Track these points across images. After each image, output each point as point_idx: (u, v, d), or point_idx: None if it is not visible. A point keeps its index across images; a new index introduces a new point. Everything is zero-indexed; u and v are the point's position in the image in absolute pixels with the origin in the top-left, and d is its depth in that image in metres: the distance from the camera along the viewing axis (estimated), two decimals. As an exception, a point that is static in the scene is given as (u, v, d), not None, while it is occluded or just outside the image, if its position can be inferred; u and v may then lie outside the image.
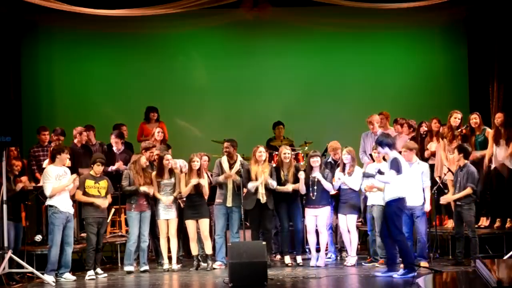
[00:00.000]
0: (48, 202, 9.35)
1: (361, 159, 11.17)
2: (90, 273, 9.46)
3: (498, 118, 10.33)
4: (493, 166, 10.33)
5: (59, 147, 9.70)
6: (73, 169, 9.98)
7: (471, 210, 9.56)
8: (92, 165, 9.72)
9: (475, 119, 10.52)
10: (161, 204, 9.91)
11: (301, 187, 9.90)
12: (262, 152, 9.97)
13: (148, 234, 9.98)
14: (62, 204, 9.33)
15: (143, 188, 9.80)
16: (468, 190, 9.48)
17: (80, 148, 11.04)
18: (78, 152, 10.90)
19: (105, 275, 9.65)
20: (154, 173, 10.00)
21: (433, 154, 10.80)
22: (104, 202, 9.63)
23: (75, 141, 11.12)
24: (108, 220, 10.33)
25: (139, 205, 9.86)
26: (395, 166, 8.72)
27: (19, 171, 9.66)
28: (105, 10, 11.38)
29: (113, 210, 10.80)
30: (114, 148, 11.23)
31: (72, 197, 9.69)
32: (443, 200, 9.81)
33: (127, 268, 9.83)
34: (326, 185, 9.86)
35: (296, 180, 9.96)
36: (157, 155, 10.25)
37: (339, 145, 10.52)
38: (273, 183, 9.91)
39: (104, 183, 9.72)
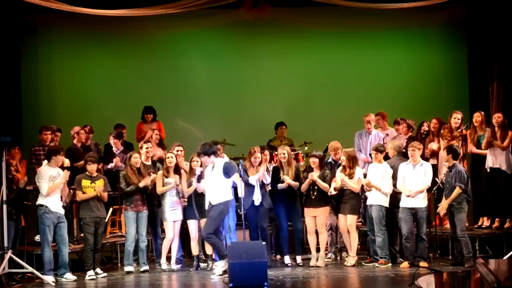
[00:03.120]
0: (39, 201, 9.32)
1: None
2: (90, 273, 9.47)
3: (498, 118, 10.35)
4: (489, 166, 10.34)
5: (55, 148, 9.67)
6: (73, 169, 9.97)
7: (462, 209, 9.55)
8: (85, 166, 9.72)
9: (477, 117, 10.53)
10: (167, 205, 9.91)
11: (306, 185, 9.90)
12: (257, 159, 9.92)
13: (147, 234, 9.99)
14: (53, 204, 9.30)
15: (142, 184, 9.77)
16: (457, 190, 9.47)
17: (80, 148, 11.04)
18: (78, 152, 10.89)
19: (105, 275, 9.65)
20: (160, 172, 9.99)
21: (434, 154, 10.81)
22: (99, 188, 9.61)
23: (74, 141, 11.13)
24: (106, 220, 10.32)
25: (136, 205, 9.85)
26: (232, 170, 9.06)
27: (15, 170, 9.70)
28: (105, 10, 11.38)
29: (111, 209, 10.79)
30: (114, 149, 11.23)
31: (73, 197, 9.69)
32: (441, 210, 9.74)
33: (126, 268, 9.83)
34: (323, 185, 9.84)
35: (297, 180, 9.95)
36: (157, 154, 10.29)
37: (340, 145, 10.52)
38: (267, 178, 9.89)
39: (100, 182, 9.71)
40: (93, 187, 9.63)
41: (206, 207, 9.39)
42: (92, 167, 9.66)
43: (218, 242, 9.27)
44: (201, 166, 9.74)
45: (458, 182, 9.48)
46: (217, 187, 9.17)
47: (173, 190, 9.92)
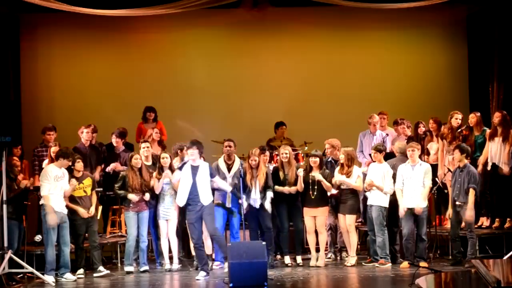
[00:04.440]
0: (42, 202, 9.34)
1: (358, 158, 11.16)
2: (80, 271, 9.59)
3: (496, 117, 10.35)
4: (489, 164, 10.31)
5: (67, 152, 9.59)
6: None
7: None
8: (73, 166, 9.67)
9: (472, 118, 10.54)
10: (162, 204, 9.91)
11: (300, 185, 9.89)
12: (255, 161, 9.91)
13: (147, 234, 10.00)
14: (56, 204, 9.30)
15: (130, 196, 9.77)
16: (473, 192, 9.46)
17: (87, 148, 10.98)
18: (85, 152, 10.84)
19: (107, 272, 9.68)
20: (155, 173, 9.99)
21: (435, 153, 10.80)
22: (84, 213, 9.64)
23: (82, 141, 11.11)
24: (98, 217, 10.32)
25: (136, 205, 9.85)
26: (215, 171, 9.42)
27: (19, 170, 9.70)
28: (105, 10, 11.39)
29: (100, 207, 10.74)
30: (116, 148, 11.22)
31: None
32: (469, 217, 9.62)
33: (127, 268, 9.84)
34: (326, 185, 9.85)
35: (297, 180, 9.94)
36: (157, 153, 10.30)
37: (338, 142, 10.50)
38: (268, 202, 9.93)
39: (88, 181, 9.76)
40: (82, 188, 9.68)
41: (177, 204, 9.53)
42: (81, 165, 9.71)
43: (203, 254, 9.35)
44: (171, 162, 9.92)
45: (472, 184, 9.47)
46: (207, 188, 9.27)
47: (167, 188, 9.89)
